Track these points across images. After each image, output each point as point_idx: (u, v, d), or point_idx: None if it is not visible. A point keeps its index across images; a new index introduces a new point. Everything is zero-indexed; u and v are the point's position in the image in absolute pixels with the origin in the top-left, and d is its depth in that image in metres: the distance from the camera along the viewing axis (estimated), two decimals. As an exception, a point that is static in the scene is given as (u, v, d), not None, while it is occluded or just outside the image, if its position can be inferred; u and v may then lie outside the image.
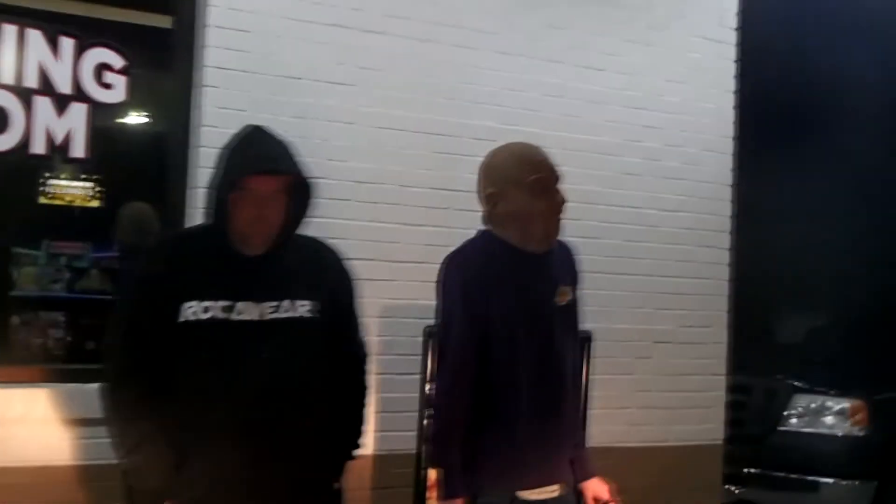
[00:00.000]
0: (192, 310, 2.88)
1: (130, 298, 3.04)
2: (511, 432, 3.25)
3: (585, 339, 4.93)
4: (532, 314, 3.30)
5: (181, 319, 2.88)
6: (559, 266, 3.40)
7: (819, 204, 7.87)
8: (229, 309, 2.91)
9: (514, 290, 3.29)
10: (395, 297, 4.88)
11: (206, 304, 2.89)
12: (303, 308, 3.00)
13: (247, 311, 2.92)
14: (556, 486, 3.32)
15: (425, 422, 4.40)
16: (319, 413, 3.01)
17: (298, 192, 3.04)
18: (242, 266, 2.96)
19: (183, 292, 2.89)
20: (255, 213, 2.92)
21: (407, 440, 4.68)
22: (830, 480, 6.66)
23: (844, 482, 6.64)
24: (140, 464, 2.87)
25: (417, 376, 4.66)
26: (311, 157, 4.74)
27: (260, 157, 2.94)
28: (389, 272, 4.90)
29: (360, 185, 4.91)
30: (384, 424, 4.79)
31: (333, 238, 4.67)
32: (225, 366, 2.89)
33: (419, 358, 4.63)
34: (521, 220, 3.30)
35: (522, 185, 3.27)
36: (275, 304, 2.96)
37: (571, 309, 3.41)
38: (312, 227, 4.63)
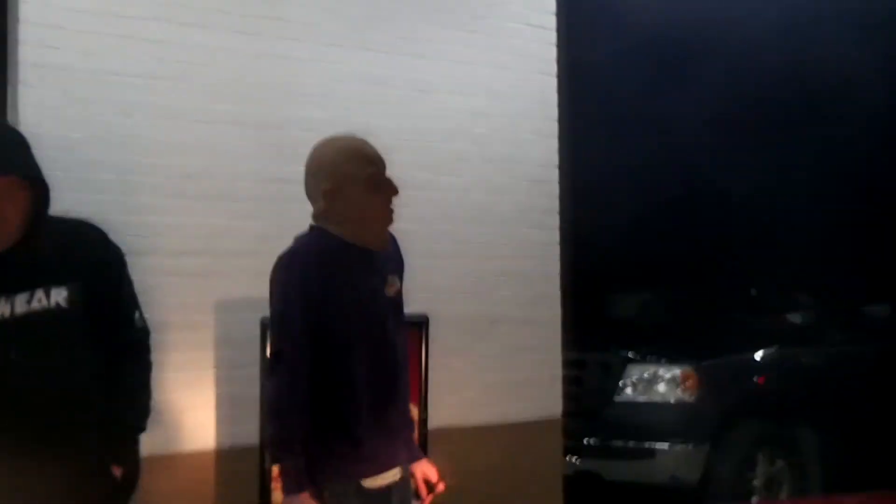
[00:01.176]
0: None
1: None
2: (350, 426, 3.28)
3: (422, 323, 5.03)
4: (366, 309, 3.33)
5: None
6: (387, 257, 3.43)
7: (643, 178, 8.14)
8: None
9: (349, 287, 3.31)
10: (230, 291, 4.86)
11: None
12: (59, 296, 2.82)
13: None
14: (396, 470, 3.37)
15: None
16: (85, 406, 2.86)
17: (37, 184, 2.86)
18: None
19: None
20: None
21: (249, 434, 4.67)
22: (665, 446, 6.90)
23: (679, 447, 6.89)
24: None
25: (255, 369, 4.65)
26: (137, 155, 4.76)
27: None
28: (223, 266, 4.87)
29: (189, 179, 4.86)
30: (224, 419, 4.77)
31: (164, 235, 4.73)
32: None
33: (257, 351, 4.63)
34: (359, 217, 3.31)
35: (358, 180, 3.29)
36: (27, 294, 2.78)
37: (399, 299, 3.46)
38: (141, 225, 4.65)
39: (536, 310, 6.03)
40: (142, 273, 4.60)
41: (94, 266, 2.94)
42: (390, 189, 3.34)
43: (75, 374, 2.85)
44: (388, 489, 3.34)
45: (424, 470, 3.52)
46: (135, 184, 4.69)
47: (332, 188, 3.30)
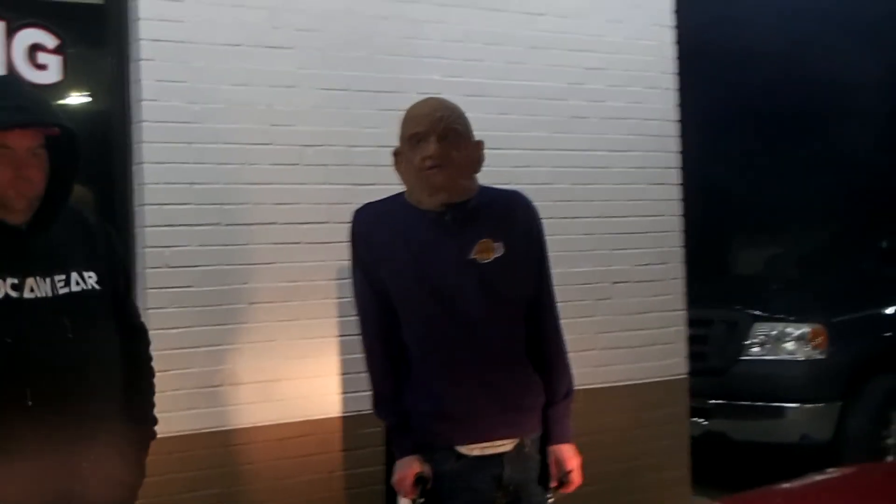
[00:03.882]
0: None
1: None
2: (428, 390, 3.24)
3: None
4: (435, 273, 3.25)
5: None
6: (486, 220, 3.30)
7: (767, 130, 7.91)
8: (19, 287, 2.61)
9: (410, 249, 3.24)
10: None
11: None
12: (90, 279, 2.73)
13: (38, 288, 2.63)
14: (504, 442, 3.27)
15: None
16: (117, 389, 2.78)
17: (60, 148, 2.68)
18: (13, 238, 2.64)
19: None
20: (13, 174, 2.59)
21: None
22: (795, 405, 6.75)
23: (809, 406, 6.74)
24: None
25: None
26: (257, 124, 4.79)
27: (12, 108, 2.58)
28: (344, 234, 4.85)
29: (307, 148, 4.86)
30: (349, 385, 4.80)
31: (285, 204, 4.75)
32: (27, 350, 2.59)
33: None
34: (409, 178, 3.28)
35: (405, 141, 3.27)
36: (63, 276, 2.69)
37: (505, 263, 3.28)
38: (262, 195, 4.68)
39: (659, 268, 5.91)
40: (265, 243, 4.70)
41: (108, 256, 2.85)
42: (425, 149, 3.20)
43: (112, 355, 2.78)
44: (491, 459, 3.25)
45: (561, 455, 3.36)
46: (255, 153, 4.72)
47: (396, 150, 3.31)
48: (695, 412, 6.27)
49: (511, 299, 3.31)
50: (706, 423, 6.75)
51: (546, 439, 3.38)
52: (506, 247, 3.29)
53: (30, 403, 2.56)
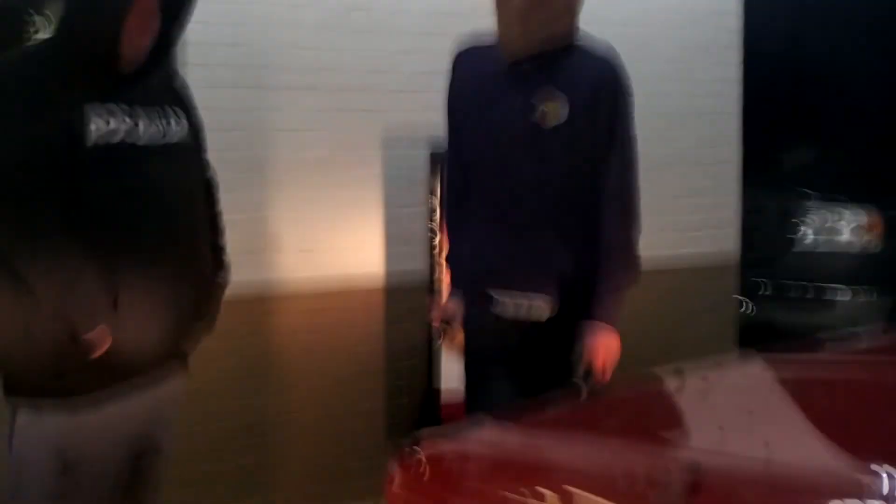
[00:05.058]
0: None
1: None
2: (469, 236, 3.28)
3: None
4: (492, 129, 3.18)
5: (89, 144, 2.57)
6: (560, 80, 3.14)
7: (833, 11, 7.58)
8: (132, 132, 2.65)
9: (476, 99, 3.16)
10: (395, 127, 4.73)
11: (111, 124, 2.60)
12: (184, 130, 2.78)
13: (147, 133, 2.67)
14: (532, 296, 3.21)
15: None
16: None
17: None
18: (127, 82, 2.67)
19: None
20: (140, 24, 2.62)
21: (416, 272, 4.65)
22: (847, 297, 6.62)
23: (861, 297, 6.60)
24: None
25: (423, 206, 4.60)
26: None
27: None
28: (387, 102, 4.73)
29: (351, 13, 4.70)
30: (392, 257, 4.73)
31: (324, 70, 4.61)
32: (145, 193, 2.65)
33: (424, 187, 4.58)
34: (498, 22, 3.13)
35: None
36: (166, 123, 2.73)
37: (565, 129, 3.14)
38: (301, 60, 4.53)
39: (714, 150, 5.74)
40: (305, 110, 4.58)
41: (190, 108, 2.88)
42: None
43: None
44: (514, 322, 3.22)
45: (593, 345, 3.20)
46: (294, 18, 4.57)
47: None
48: (744, 297, 6.16)
49: (568, 168, 3.19)
50: (753, 311, 6.63)
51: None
52: (570, 111, 3.14)
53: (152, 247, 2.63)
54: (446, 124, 3.35)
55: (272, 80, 4.51)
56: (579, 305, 3.19)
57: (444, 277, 3.71)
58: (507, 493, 1.93)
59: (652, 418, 2.25)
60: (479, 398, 3.30)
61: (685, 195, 5.65)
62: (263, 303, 4.47)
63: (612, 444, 2.06)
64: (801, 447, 1.91)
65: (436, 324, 3.57)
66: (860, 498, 1.55)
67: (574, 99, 3.14)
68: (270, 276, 4.49)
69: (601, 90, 3.17)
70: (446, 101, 3.33)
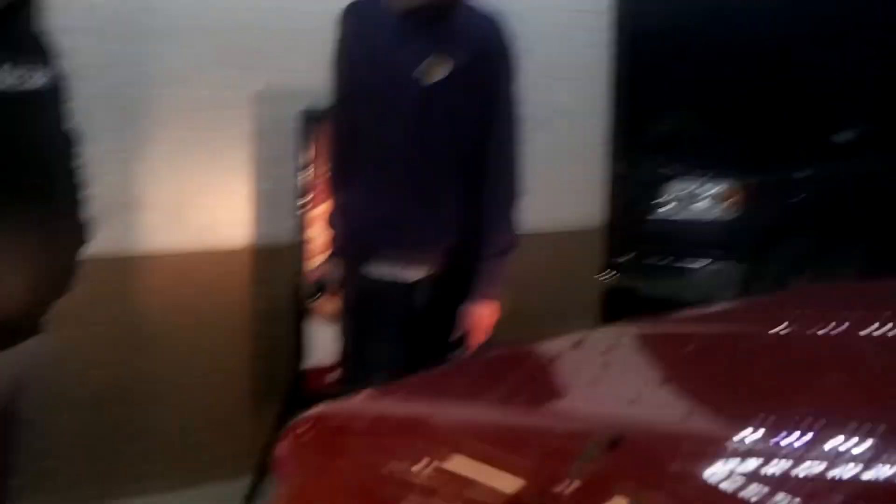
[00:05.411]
0: None
1: None
2: (353, 198, 3.20)
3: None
4: (379, 84, 3.11)
5: None
6: (445, 37, 3.10)
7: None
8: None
9: (366, 57, 3.11)
10: (270, 80, 4.59)
11: None
12: (44, 78, 2.60)
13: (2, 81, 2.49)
14: (414, 258, 3.19)
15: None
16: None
17: None
18: None
19: None
20: None
21: (284, 232, 4.51)
22: (702, 264, 6.77)
23: (716, 265, 6.76)
24: None
25: (293, 164, 4.47)
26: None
27: None
28: (261, 57, 4.59)
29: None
30: (260, 217, 4.59)
31: (197, 21, 4.40)
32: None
33: (294, 145, 4.45)
34: None
35: None
36: (25, 70, 2.54)
37: (450, 86, 3.11)
38: (176, 6, 4.32)
39: (583, 116, 5.76)
40: (175, 64, 4.38)
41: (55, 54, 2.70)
42: None
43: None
44: (391, 286, 3.18)
45: (474, 315, 3.21)
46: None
47: None
48: (605, 267, 6.24)
49: (449, 126, 3.14)
50: (615, 278, 6.73)
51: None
52: (454, 68, 3.09)
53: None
54: (334, 80, 3.25)
55: (141, 30, 4.30)
56: (463, 268, 3.16)
57: (323, 238, 3.59)
58: (392, 461, 1.90)
59: (542, 384, 2.23)
60: (358, 364, 3.24)
61: (552, 158, 5.64)
62: (127, 262, 4.30)
63: (503, 409, 2.04)
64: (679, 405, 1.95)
65: (309, 285, 3.47)
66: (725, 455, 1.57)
67: (458, 56, 3.11)
68: (135, 235, 4.32)
69: (486, 49, 3.14)
70: (334, 56, 3.23)
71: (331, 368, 3.94)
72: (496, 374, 2.31)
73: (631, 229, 6.81)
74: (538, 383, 2.24)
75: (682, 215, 6.88)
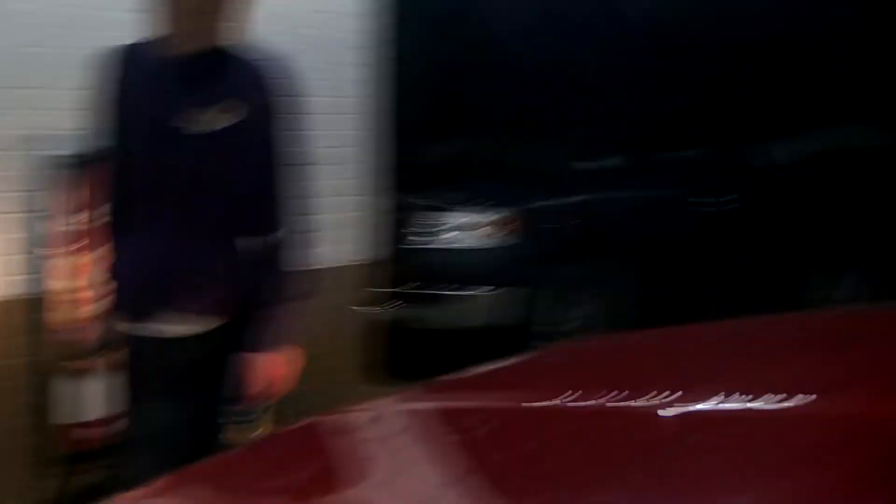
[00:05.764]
0: None
1: None
2: (128, 251, 3.03)
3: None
4: (144, 128, 2.97)
5: None
6: (228, 78, 2.99)
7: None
8: None
9: (139, 102, 2.96)
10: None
11: None
12: None
13: None
14: (194, 323, 3.02)
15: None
16: None
17: None
18: None
19: None
20: None
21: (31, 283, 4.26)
22: (483, 290, 6.79)
23: (496, 291, 6.79)
24: None
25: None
26: None
27: None
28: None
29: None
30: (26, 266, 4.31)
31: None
32: None
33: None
34: (158, 17, 2.93)
35: None
36: None
37: (233, 135, 2.97)
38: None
39: (347, 150, 5.68)
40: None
41: None
42: None
43: None
44: (181, 340, 3.00)
45: (253, 366, 3.05)
46: None
47: None
48: (380, 298, 6.16)
49: (225, 177, 3.01)
50: (397, 308, 6.66)
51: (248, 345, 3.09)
52: (233, 116, 2.96)
53: None
54: (98, 125, 3.05)
55: None
56: (244, 320, 3.03)
57: (100, 288, 3.27)
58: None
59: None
60: (130, 425, 3.02)
61: (318, 195, 5.52)
62: None
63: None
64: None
65: (81, 344, 3.21)
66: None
67: (236, 105, 2.99)
68: None
69: (264, 97, 3.03)
70: (99, 101, 3.02)
71: (102, 423, 3.70)
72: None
73: (408, 259, 6.75)
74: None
75: (460, 243, 6.89)
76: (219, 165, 2.98)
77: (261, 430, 3.04)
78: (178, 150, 2.93)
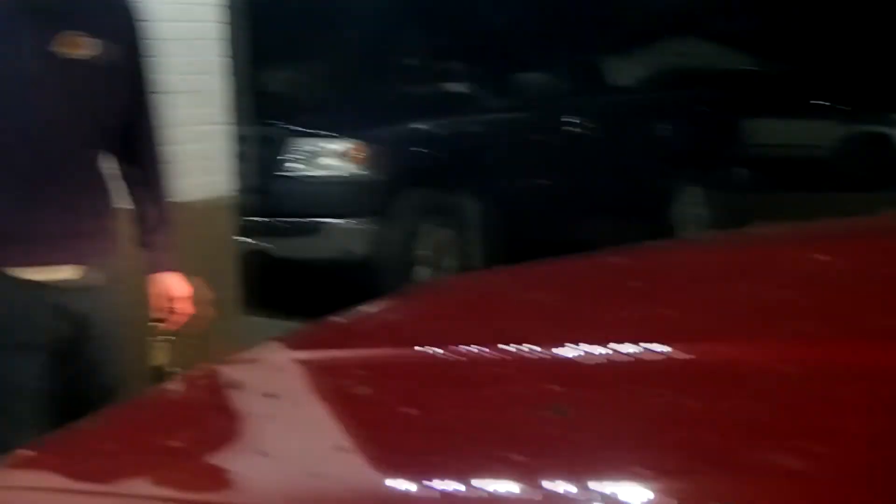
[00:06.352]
0: None
1: None
2: None
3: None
4: (6, 64, 2.81)
5: None
6: (78, 14, 2.86)
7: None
8: None
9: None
10: None
11: None
12: None
13: None
14: (62, 268, 2.87)
15: None
16: None
17: None
18: None
19: None
20: None
21: None
22: (332, 221, 6.77)
23: (346, 221, 6.79)
24: None
25: None
26: None
27: None
28: None
29: None
30: None
31: None
32: None
33: None
34: None
35: None
36: None
37: (98, 65, 2.85)
38: None
39: (201, 78, 5.54)
40: None
41: None
42: None
43: None
44: (48, 287, 2.84)
45: (164, 284, 3.05)
46: None
47: None
48: (240, 231, 6.10)
49: (99, 106, 2.90)
50: (251, 242, 6.60)
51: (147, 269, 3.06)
52: (102, 46, 2.84)
53: None
54: None
55: None
56: (114, 262, 2.94)
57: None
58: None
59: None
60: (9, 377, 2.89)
61: (175, 127, 5.39)
62: None
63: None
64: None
65: None
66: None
67: (101, 29, 2.87)
68: None
69: (130, 21, 2.97)
70: None
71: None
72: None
73: (259, 191, 6.69)
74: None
75: (308, 173, 6.84)
76: (88, 94, 2.87)
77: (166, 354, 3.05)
78: (55, 75, 2.81)
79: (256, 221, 6.63)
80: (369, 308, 2.29)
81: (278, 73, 7.35)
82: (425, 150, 7.16)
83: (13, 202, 2.82)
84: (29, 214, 2.83)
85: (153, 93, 3.06)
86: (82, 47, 2.84)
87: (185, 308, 3.09)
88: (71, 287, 2.88)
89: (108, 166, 3.03)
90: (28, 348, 2.84)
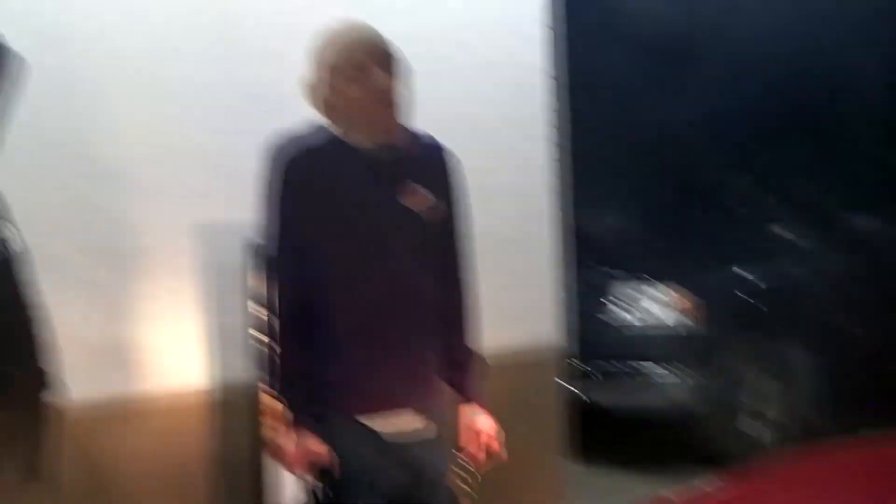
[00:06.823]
0: None
1: None
2: (334, 350, 2.98)
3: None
4: (358, 218, 2.95)
5: None
6: (406, 162, 3.04)
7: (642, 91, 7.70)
8: None
9: (336, 191, 2.96)
10: (208, 213, 4.36)
11: None
12: None
13: None
14: (405, 413, 3.01)
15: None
16: None
17: None
18: None
19: None
20: None
21: (239, 367, 4.24)
22: (656, 369, 6.63)
23: (669, 370, 6.62)
24: None
25: (242, 297, 4.22)
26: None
27: None
28: (199, 186, 4.35)
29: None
30: (212, 353, 4.32)
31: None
32: None
33: (241, 277, 4.21)
34: (341, 109, 2.98)
35: (336, 69, 2.96)
36: None
37: (427, 214, 3.05)
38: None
39: (529, 229, 5.57)
40: (113, 193, 4.14)
41: None
42: (374, 80, 2.95)
43: None
44: (390, 434, 3.00)
45: (469, 414, 3.16)
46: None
47: (314, 78, 3.00)
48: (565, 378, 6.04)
49: (427, 254, 3.07)
50: (581, 391, 6.50)
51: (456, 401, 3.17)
52: (434, 200, 3.05)
53: None
54: (283, 235, 3.03)
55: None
56: (442, 411, 3.09)
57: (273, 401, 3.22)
58: None
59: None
60: None
61: (503, 276, 5.44)
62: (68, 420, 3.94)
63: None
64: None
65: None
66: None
67: (432, 180, 3.08)
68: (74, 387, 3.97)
69: (448, 177, 3.14)
70: (286, 210, 3.02)
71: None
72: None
73: (588, 340, 6.60)
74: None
75: (638, 322, 6.74)
76: (422, 247, 3.03)
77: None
78: (408, 237, 3.00)
79: (579, 368, 6.55)
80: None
81: (601, 217, 7.32)
82: (751, 299, 6.91)
83: (368, 354, 2.93)
84: (380, 363, 2.93)
85: (463, 243, 3.19)
86: (421, 200, 2.97)
87: (489, 443, 3.15)
88: (410, 436, 3.00)
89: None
90: (373, 488, 2.95)
